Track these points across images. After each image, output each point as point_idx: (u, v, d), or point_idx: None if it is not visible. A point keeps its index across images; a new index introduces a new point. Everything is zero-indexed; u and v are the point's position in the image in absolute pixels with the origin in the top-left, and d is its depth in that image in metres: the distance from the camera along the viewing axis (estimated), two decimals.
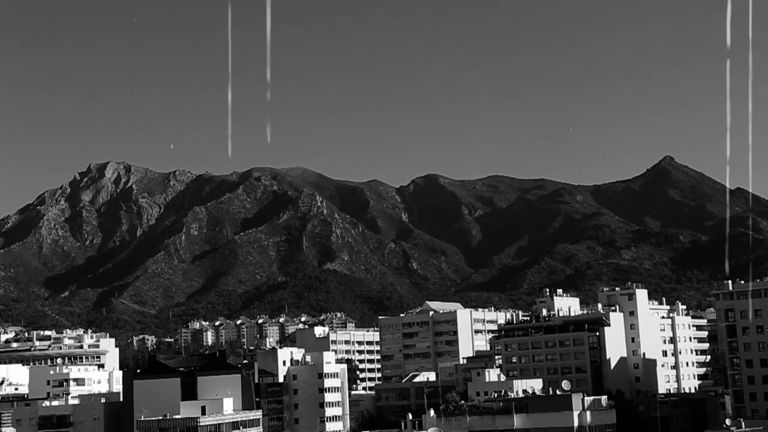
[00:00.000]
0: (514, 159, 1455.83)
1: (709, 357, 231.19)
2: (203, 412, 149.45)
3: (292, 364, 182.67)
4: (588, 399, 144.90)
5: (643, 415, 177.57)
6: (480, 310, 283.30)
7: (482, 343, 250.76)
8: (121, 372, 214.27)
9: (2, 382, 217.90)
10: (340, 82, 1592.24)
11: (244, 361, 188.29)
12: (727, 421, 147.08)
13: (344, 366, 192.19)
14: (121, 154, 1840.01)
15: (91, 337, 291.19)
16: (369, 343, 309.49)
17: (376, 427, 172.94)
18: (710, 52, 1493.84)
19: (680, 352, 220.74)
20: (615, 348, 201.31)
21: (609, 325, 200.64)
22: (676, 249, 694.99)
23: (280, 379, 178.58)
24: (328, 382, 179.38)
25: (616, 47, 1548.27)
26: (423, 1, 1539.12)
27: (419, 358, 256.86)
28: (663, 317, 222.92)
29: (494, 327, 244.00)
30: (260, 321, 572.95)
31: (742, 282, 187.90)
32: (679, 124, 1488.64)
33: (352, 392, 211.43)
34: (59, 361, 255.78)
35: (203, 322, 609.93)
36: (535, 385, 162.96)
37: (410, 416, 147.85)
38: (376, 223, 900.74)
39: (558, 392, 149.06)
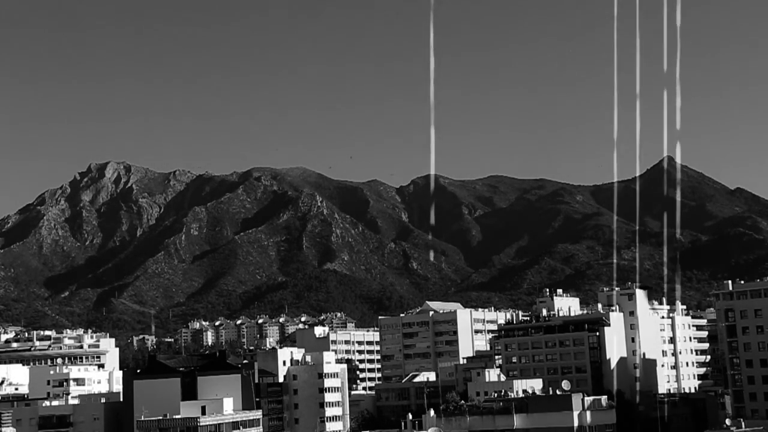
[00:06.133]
0: (514, 159, 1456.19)
1: (709, 357, 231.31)
2: (203, 412, 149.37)
3: (292, 364, 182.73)
4: (588, 399, 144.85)
5: (643, 415, 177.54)
6: (480, 310, 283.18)
7: (482, 343, 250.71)
8: (121, 372, 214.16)
9: (2, 382, 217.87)
10: (340, 81, 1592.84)
11: (244, 361, 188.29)
12: (727, 421, 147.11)
13: (344, 366, 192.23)
14: (121, 154, 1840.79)
15: (91, 337, 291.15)
16: (369, 343, 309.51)
17: (376, 427, 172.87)
18: (711, 52, 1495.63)
19: (680, 352, 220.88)
20: (615, 348, 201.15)
21: (609, 325, 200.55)
22: (676, 249, 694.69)
23: (280, 379, 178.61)
24: (328, 382, 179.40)
25: (616, 46, 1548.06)
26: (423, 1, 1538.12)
27: (419, 358, 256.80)
28: (663, 317, 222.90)
29: (494, 327, 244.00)
30: (260, 321, 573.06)
31: (742, 282, 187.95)
32: (679, 124, 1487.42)
33: (352, 392, 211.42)
34: (59, 361, 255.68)
35: (203, 322, 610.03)
36: (535, 385, 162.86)
37: (410, 416, 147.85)
38: (376, 223, 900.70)
39: (558, 392, 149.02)
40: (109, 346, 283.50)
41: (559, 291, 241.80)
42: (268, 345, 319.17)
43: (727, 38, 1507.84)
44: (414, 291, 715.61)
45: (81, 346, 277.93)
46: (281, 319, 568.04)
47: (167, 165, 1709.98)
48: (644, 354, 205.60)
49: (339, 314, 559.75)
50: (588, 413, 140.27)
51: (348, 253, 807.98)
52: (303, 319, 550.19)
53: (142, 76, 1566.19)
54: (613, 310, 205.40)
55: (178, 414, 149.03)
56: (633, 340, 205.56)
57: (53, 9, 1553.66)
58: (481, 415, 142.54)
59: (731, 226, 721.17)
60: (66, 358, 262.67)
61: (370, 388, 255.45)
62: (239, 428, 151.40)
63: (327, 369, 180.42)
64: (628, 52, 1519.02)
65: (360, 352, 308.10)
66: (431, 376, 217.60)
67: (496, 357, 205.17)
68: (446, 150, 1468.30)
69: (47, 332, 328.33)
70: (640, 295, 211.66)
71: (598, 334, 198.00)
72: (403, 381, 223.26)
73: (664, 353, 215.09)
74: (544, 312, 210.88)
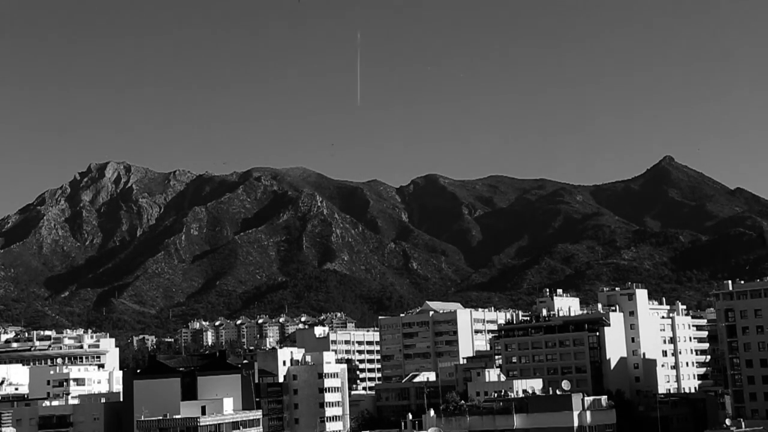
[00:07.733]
0: (514, 159, 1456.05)
1: (709, 357, 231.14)
2: (203, 412, 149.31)
3: (292, 364, 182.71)
4: (588, 399, 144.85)
5: (643, 415, 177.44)
6: (480, 310, 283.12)
7: (482, 343, 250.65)
8: (121, 372, 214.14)
9: (2, 382, 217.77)
10: (340, 81, 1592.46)
11: (244, 361, 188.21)
12: (727, 421, 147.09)
13: (344, 366, 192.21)
14: (121, 154, 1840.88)
15: (91, 337, 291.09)
16: (369, 343, 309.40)
17: (376, 427, 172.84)
18: (711, 52, 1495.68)
19: (680, 352, 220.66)
20: (615, 348, 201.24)
21: (609, 325, 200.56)
22: (676, 249, 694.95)
23: (280, 379, 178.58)
24: (328, 382, 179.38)
25: (617, 47, 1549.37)
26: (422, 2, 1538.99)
27: (419, 358, 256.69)
28: (663, 317, 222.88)
29: (494, 327, 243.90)
30: (260, 321, 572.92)
31: (742, 282, 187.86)
32: (679, 124, 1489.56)
33: (352, 392, 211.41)
34: (59, 361, 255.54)
35: (203, 322, 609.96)
36: (535, 385, 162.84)
37: (410, 416, 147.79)
38: (376, 223, 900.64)
39: (558, 392, 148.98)
40: (109, 346, 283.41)
41: (559, 291, 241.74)
42: (268, 345, 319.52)
43: (727, 38, 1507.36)
44: (414, 291, 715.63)
45: (81, 346, 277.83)
46: (281, 319, 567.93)
47: (167, 165, 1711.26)
48: (644, 354, 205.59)
49: (339, 314, 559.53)
50: (588, 413, 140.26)
51: (348, 253, 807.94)
52: (303, 319, 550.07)
53: (142, 76, 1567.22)
54: (613, 310, 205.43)
55: (178, 414, 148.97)
56: (633, 340, 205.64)
57: (54, 10, 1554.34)
58: (481, 415, 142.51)
59: (731, 226, 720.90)
60: (66, 358, 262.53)
61: (370, 388, 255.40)
62: (239, 428, 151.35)
63: (327, 369, 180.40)
64: (628, 52, 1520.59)
65: (360, 352, 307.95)
66: (431, 376, 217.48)
67: (496, 357, 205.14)
68: (446, 150, 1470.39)
69: (47, 332, 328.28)
70: (640, 295, 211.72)
71: (598, 334, 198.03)
72: (403, 381, 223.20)
73: (664, 353, 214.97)
74: (544, 312, 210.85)
